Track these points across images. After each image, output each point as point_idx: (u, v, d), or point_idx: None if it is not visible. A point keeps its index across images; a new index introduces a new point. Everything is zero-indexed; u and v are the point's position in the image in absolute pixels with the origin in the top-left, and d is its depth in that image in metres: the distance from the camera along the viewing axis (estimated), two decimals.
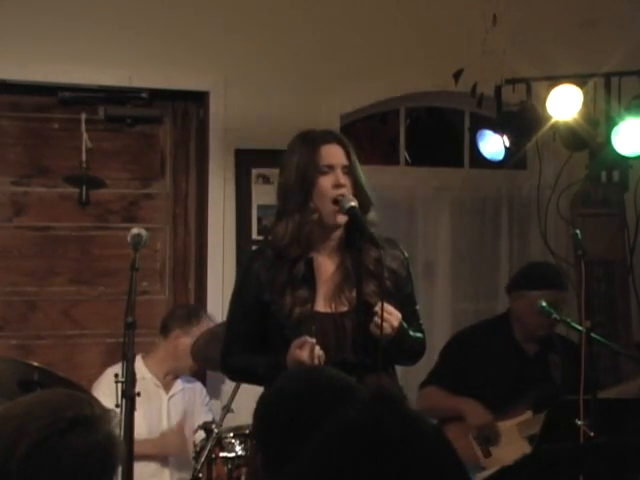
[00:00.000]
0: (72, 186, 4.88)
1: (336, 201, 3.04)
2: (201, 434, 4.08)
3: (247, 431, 3.84)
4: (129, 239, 3.33)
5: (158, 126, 5.06)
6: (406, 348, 3.12)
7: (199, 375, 4.72)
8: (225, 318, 4.49)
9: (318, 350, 2.93)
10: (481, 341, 4.43)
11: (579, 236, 3.71)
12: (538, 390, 4.23)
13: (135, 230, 3.36)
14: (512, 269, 5.55)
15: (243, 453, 3.86)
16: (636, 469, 2.77)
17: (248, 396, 3.42)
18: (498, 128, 4.86)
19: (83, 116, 4.87)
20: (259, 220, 4.96)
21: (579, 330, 3.74)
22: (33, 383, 3.37)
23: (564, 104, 4.63)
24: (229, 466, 3.89)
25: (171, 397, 4.50)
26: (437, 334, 5.34)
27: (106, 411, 1.84)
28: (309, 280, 3.07)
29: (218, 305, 4.88)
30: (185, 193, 5.13)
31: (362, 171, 3.16)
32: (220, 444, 3.90)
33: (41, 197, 4.89)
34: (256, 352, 3.13)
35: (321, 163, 3.06)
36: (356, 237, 3.00)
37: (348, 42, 5.10)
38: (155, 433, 4.37)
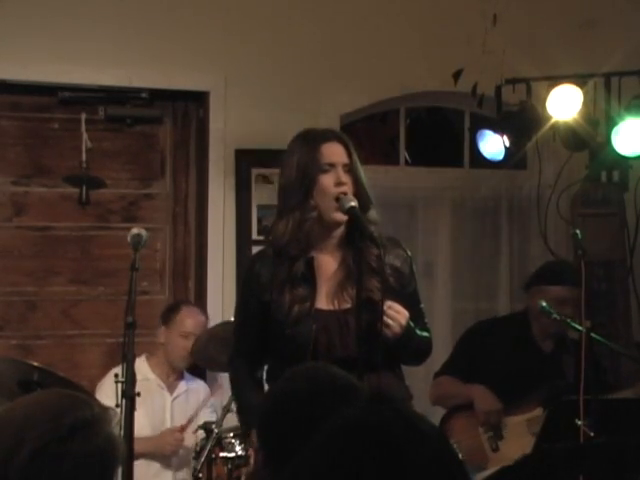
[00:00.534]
0: (72, 186, 4.88)
1: (338, 199, 3.04)
2: (201, 434, 4.08)
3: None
4: (129, 239, 3.33)
5: (158, 126, 5.07)
6: (413, 347, 3.11)
7: (196, 372, 4.71)
8: (224, 318, 4.53)
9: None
10: (498, 335, 4.45)
11: (579, 236, 3.71)
12: (550, 387, 4.23)
13: (135, 230, 3.36)
14: (512, 269, 5.57)
15: (243, 453, 3.86)
16: (636, 469, 2.77)
17: None
18: (498, 128, 4.86)
19: (83, 116, 4.87)
20: (259, 220, 4.96)
21: (579, 330, 3.74)
22: (33, 383, 3.37)
23: (564, 104, 4.63)
24: (229, 466, 3.88)
25: (175, 398, 4.50)
26: (437, 334, 5.31)
27: (105, 411, 1.84)
28: (309, 278, 3.07)
29: (218, 305, 4.88)
30: (185, 193, 5.13)
31: (362, 170, 3.17)
32: (220, 444, 3.90)
33: (41, 197, 4.89)
34: (260, 364, 3.18)
35: (322, 161, 3.06)
36: (356, 236, 3.00)
37: (348, 42, 5.10)
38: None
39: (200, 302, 5.00)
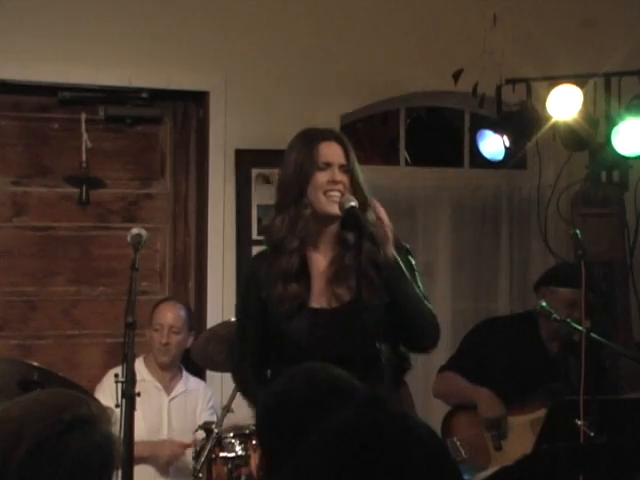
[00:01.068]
0: (72, 186, 4.88)
1: (326, 192, 3.09)
2: (201, 434, 4.08)
3: (247, 431, 3.84)
4: (129, 239, 3.33)
5: (158, 126, 5.07)
6: (410, 298, 3.07)
7: (197, 372, 4.71)
8: (224, 318, 4.53)
9: None
10: (505, 333, 4.44)
11: (579, 236, 3.71)
12: (555, 389, 4.23)
13: (135, 230, 3.36)
14: (512, 269, 5.57)
15: (243, 453, 3.86)
16: (636, 469, 2.77)
17: None
18: (498, 128, 4.86)
19: (83, 116, 4.87)
20: (259, 220, 4.96)
21: (579, 330, 3.74)
22: (33, 383, 3.37)
23: (564, 104, 4.63)
24: (229, 466, 3.88)
25: (172, 399, 4.50)
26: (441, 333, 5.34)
27: (103, 410, 1.84)
28: (302, 275, 3.10)
29: (218, 305, 4.89)
30: (185, 193, 5.13)
31: (361, 170, 3.19)
32: (220, 444, 3.90)
33: (41, 197, 4.89)
34: (267, 364, 3.18)
35: (319, 160, 3.11)
36: (357, 236, 3.01)
37: (348, 42, 5.10)
38: (155, 435, 4.37)
39: (200, 302, 5.00)
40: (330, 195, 3.09)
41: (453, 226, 5.54)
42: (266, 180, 4.95)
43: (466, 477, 3.70)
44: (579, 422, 3.43)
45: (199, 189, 5.09)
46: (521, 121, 4.78)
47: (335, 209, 3.07)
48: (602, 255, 4.95)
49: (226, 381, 4.58)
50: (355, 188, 3.13)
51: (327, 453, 1.34)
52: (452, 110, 5.65)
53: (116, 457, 1.82)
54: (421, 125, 5.81)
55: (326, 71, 5.08)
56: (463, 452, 4.08)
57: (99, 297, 4.95)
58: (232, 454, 3.88)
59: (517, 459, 2.68)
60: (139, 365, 4.33)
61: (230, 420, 4.02)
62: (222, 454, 3.89)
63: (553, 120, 4.69)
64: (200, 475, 3.90)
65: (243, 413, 3.63)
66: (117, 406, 3.10)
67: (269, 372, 3.21)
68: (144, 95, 4.91)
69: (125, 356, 3.12)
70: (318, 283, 3.13)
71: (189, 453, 4.24)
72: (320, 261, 3.15)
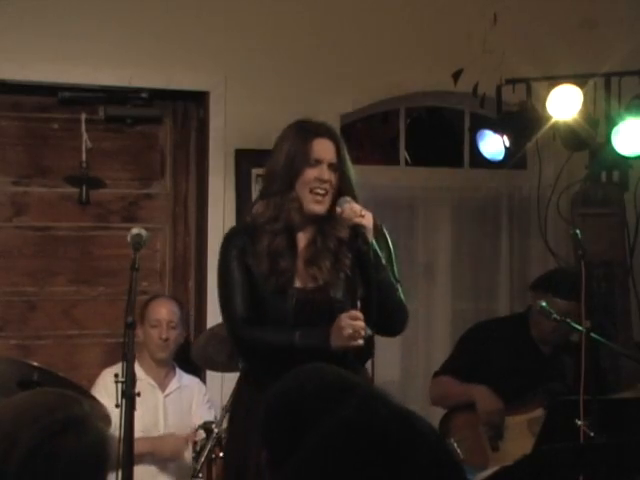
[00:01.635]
0: (72, 186, 4.88)
1: (312, 190, 3.16)
2: (201, 434, 4.08)
3: None
4: (129, 239, 3.33)
5: (158, 126, 5.06)
6: (383, 283, 3.11)
7: (194, 371, 4.71)
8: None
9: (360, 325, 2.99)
10: (497, 335, 4.46)
11: (579, 236, 3.71)
12: (551, 388, 4.25)
13: (135, 230, 3.36)
14: (512, 269, 5.56)
15: None
16: (636, 469, 2.77)
17: None
18: (498, 128, 4.85)
19: (83, 116, 4.87)
20: None
21: (579, 330, 3.74)
22: (33, 383, 3.37)
23: (564, 104, 4.63)
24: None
25: (167, 396, 4.50)
26: (437, 334, 5.35)
27: (96, 407, 1.85)
28: (290, 252, 3.18)
29: (218, 305, 4.88)
30: (185, 193, 5.13)
31: (352, 169, 3.26)
32: (220, 444, 3.90)
33: (41, 197, 4.89)
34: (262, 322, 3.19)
35: (311, 156, 3.18)
36: (359, 242, 3.07)
37: (348, 42, 5.10)
38: (151, 432, 4.36)
39: (200, 302, 5.00)
40: (315, 193, 3.16)
41: (453, 226, 5.54)
42: None
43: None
44: (579, 422, 3.43)
45: (199, 189, 5.09)
46: (521, 121, 4.77)
47: (320, 209, 3.16)
48: (602, 255, 4.95)
49: (226, 381, 4.58)
50: (345, 185, 3.21)
51: (329, 448, 1.34)
52: (452, 110, 5.65)
53: (111, 455, 1.82)
54: (421, 125, 5.81)
55: (326, 71, 5.07)
56: (460, 453, 4.09)
57: (99, 297, 4.95)
58: None
59: (517, 459, 2.69)
60: None
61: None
62: (222, 454, 3.89)
63: (553, 120, 4.69)
64: (200, 475, 3.90)
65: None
66: (117, 406, 3.11)
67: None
68: (144, 95, 4.91)
69: (125, 356, 3.12)
70: (299, 263, 3.20)
71: (189, 450, 4.24)
72: (302, 241, 3.23)
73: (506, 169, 5.32)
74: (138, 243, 3.30)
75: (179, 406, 4.49)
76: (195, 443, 4.06)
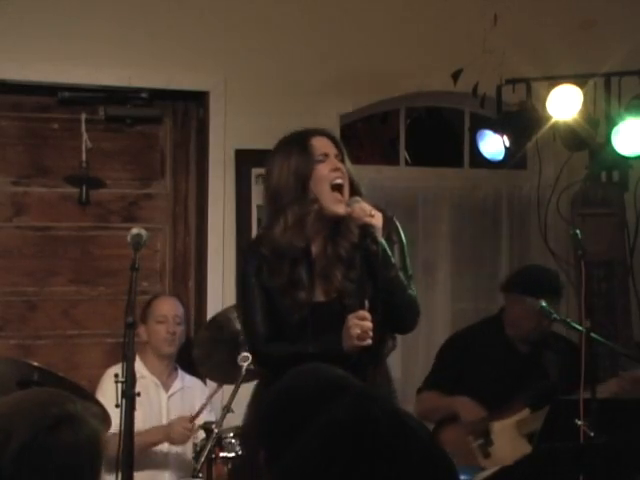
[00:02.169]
0: (72, 186, 4.88)
1: (335, 186, 3.09)
2: (201, 434, 4.08)
3: None
4: (129, 239, 3.33)
5: (158, 126, 5.07)
6: (392, 283, 3.07)
7: (194, 371, 4.71)
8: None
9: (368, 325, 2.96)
10: (474, 343, 4.47)
11: (579, 236, 3.71)
12: (534, 387, 4.27)
13: (135, 230, 3.36)
14: (512, 269, 5.55)
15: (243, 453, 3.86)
16: (636, 469, 2.77)
17: (248, 396, 3.43)
18: (498, 128, 4.85)
19: (83, 116, 4.87)
20: (259, 220, 4.96)
21: (579, 330, 3.74)
22: (33, 383, 3.37)
23: (564, 104, 4.63)
24: (229, 466, 3.89)
25: (171, 396, 4.51)
26: (437, 334, 5.34)
27: (88, 407, 1.85)
28: (307, 269, 3.12)
29: (218, 305, 4.88)
30: (185, 193, 5.13)
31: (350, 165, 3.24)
32: (220, 444, 3.90)
33: (41, 197, 4.89)
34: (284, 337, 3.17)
35: (316, 153, 3.13)
36: (368, 241, 3.03)
37: (348, 42, 5.10)
38: None
39: (200, 302, 5.00)
40: (336, 186, 3.08)
41: (453, 226, 5.54)
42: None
43: (466, 477, 3.70)
44: (579, 422, 3.43)
45: (199, 189, 5.09)
46: (521, 121, 4.77)
47: (341, 209, 3.08)
48: (602, 255, 4.95)
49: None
50: (351, 183, 3.16)
51: (322, 447, 1.34)
52: (452, 110, 5.65)
53: (104, 451, 1.83)
54: (421, 125, 5.81)
55: (326, 71, 5.07)
56: None
57: (99, 297, 4.95)
58: (232, 454, 3.89)
59: (518, 459, 2.69)
60: (136, 363, 4.31)
61: (230, 420, 4.01)
62: (222, 454, 3.89)
63: (553, 120, 4.69)
64: (200, 475, 3.90)
65: (243, 413, 3.62)
66: (117, 406, 3.11)
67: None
68: (144, 95, 4.91)
69: (125, 356, 3.12)
70: (314, 276, 3.15)
71: (189, 448, 4.24)
72: (315, 249, 3.16)
73: (506, 169, 5.33)
74: (138, 243, 3.30)
75: (181, 406, 4.49)
76: (195, 444, 4.06)
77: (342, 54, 5.09)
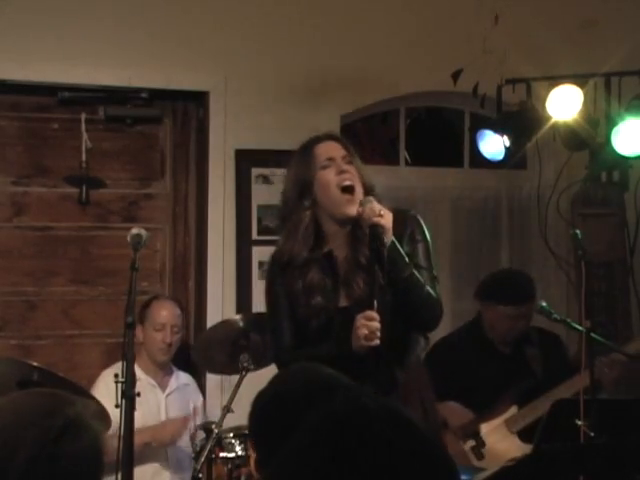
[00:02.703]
0: (72, 186, 4.88)
1: (345, 188, 3.07)
2: (201, 434, 4.08)
3: (247, 431, 3.83)
4: (129, 239, 3.33)
5: (158, 126, 5.07)
6: (408, 282, 3.06)
7: (196, 374, 4.72)
8: (224, 318, 4.52)
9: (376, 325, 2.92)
10: (456, 348, 4.49)
11: (579, 236, 3.71)
12: (518, 384, 4.29)
13: (135, 230, 3.36)
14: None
15: (243, 453, 3.86)
16: (636, 469, 2.77)
17: (248, 396, 3.42)
18: (498, 128, 4.85)
19: (83, 116, 4.87)
20: (259, 220, 4.96)
21: (579, 330, 3.74)
22: (33, 383, 3.37)
23: (564, 104, 4.63)
24: (229, 466, 3.89)
25: (168, 395, 4.51)
26: (437, 334, 5.33)
27: (88, 406, 1.85)
28: (330, 273, 3.11)
29: (218, 305, 4.88)
30: (185, 193, 5.12)
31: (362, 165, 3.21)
32: (220, 444, 3.90)
33: (41, 197, 4.89)
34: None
35: (320, 160, 3.10)
36: (376, 242, 2.99)
37: (348, 42, 5.10)
38: None
39: (200, 302, 5.00)
40: (346, 189, 3.05)
41: (453, 226, 5.54)
42: (266, 180, 4.95)
43: (466, 477, 3.70)
44: (579, 422, 3.43)
45: (199, 189, 5.09)
46: (521, 121, 4.77)
47: (353, 210, 3.06)
48: (602, 255, 4.95)
49: (226, 381, 4.59)
50: (360, 180, 3.13)
51: (315, 442, 1.33)
52: (452, 110, 5.65)
53: (105, 452, 1.82)
54: (421, 125, 5.81)
55: (326, 71, 5.07)
56: None
57: (99, 297, 4.95)
58: (232, 454, 3.89)
59: (517, 459, 2.68)
60: None
61: (230, 420, 4.01)
62: (222, 454, 3.89)
63: (553, 120, 4.69)
64: (200, 475, 3.90)
65: (243, 413, 3.62)
66: (117, 406, 3.11)
67: None
68: (144, 95, 4.91)
69: (125, 356, 3.12)
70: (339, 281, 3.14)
71: (188, 447, 4.25)
72: (337, 254, 3.14)
73: (506, 169, 5.33)
74: (138, 243, 3.30)
75: (179, 405, 4.49)
76: (195, 414, 4.07)
77: (342, 54, 5.09)
